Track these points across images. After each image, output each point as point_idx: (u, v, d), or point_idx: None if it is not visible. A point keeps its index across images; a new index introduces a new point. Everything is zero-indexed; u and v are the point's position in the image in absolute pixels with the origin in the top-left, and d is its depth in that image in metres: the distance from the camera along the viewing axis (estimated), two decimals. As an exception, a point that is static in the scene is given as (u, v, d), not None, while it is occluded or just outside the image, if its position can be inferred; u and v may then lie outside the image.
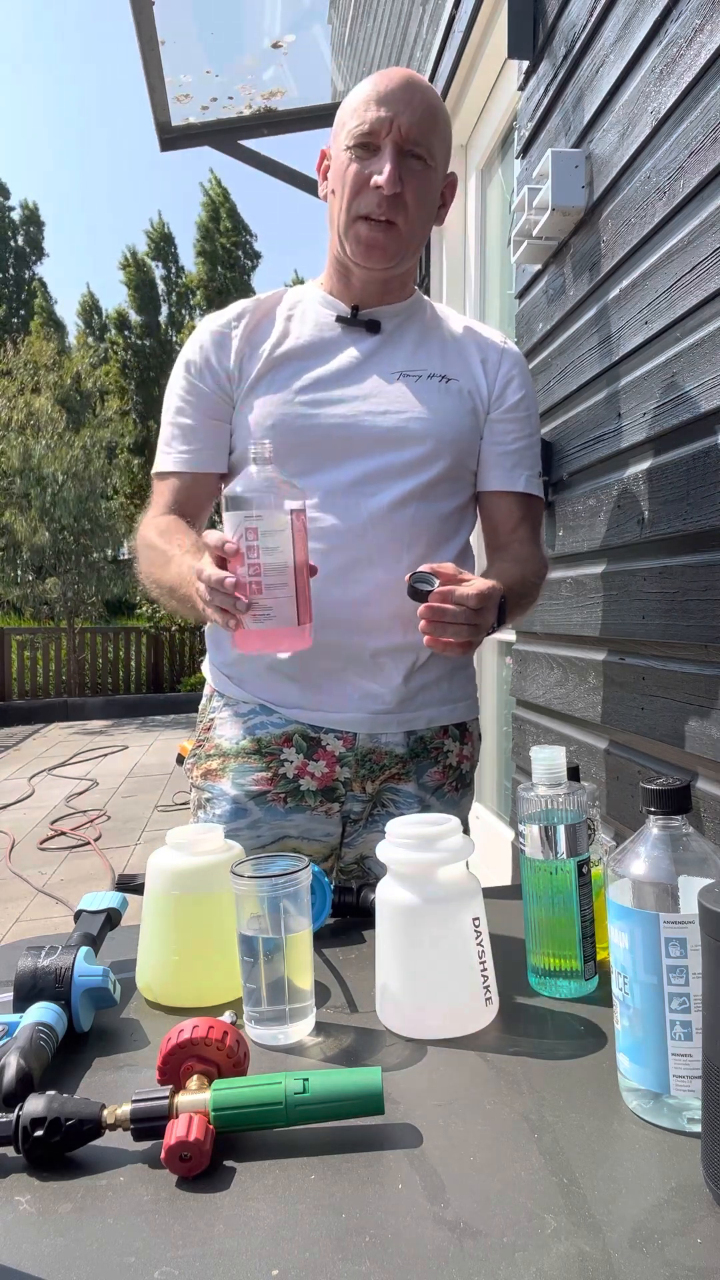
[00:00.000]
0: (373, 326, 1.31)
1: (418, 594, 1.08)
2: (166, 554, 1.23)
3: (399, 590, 1.25)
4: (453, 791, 1.35)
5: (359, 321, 1.31)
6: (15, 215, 23.92)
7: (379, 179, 1.20)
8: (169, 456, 1.34)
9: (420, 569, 1.09)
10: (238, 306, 1.35)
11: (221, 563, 1.04)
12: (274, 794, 1.27)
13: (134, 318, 20.26)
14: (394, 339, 1.32)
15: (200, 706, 1.40)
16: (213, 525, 1.27)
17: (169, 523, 1.29)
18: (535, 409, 1.39)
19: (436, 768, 1.33)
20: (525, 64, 2.04)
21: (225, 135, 3.46)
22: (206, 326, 1.34)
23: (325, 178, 1.31)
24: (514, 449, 1.35)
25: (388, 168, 1.20)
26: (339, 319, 1.31)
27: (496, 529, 1.38)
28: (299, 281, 1.30)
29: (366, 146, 1.21)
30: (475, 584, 1.07)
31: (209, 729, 1.34)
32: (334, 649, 1.25)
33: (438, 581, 1.07)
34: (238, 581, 1.02)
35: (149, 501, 1.38)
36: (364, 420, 1.26)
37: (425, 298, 1.41)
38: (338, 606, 1.23)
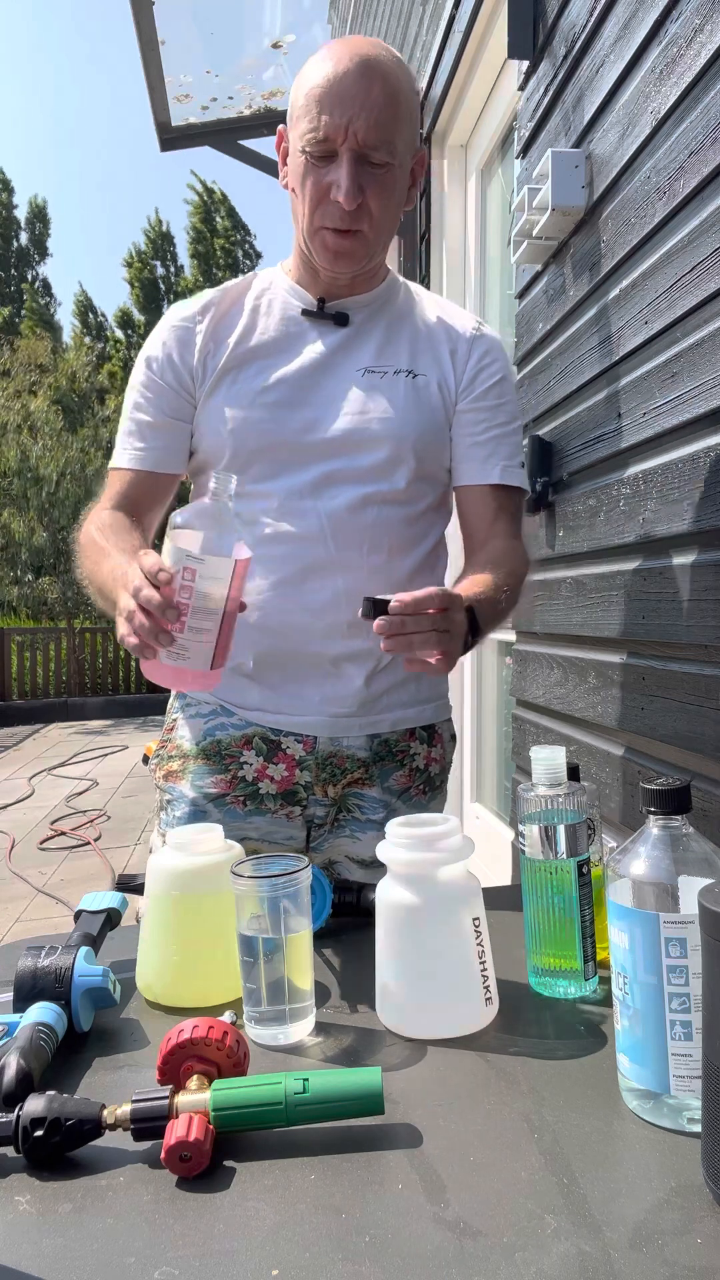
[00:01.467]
0: (341, 319, 1.27)
1: (375, 611, 0.98)
2: (104, 551, 1.18)
3: (360, 595, 1.20)
4: (420, 795, 1.32)
5: (326, 314, 1.27)
6: (20, 213, 23.86)
7: (338, 194, 1.14)
8: (125, 453, 1.29)
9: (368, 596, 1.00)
10: (203, 298, 1.30)
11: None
12: (233, 796, 1.26)
13: (137, 316, 20.25)
14: (362, 332, 1.28)
15: (167, 706, 1.39)
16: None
17: (113, 519, 1.25)
18: (511, 396, 1.32)
19: (402, 771, 1.30)
20: (525, 64, 2.04)
21: (225, 135, 3.46)
22: (170, 321, 1.29)
23: (285, 162, 1.23)
24: (485, 439, 1.28)
25: (345, 182, 1.13)
26: (305, 312, 1.27)
27: (473, 526, 1.31)
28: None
29: (323, 155, 1.14)
30: (433, 589, 1.00)
31: (171, 729, 1.33)
32: (293, 656, 1.23)
33: (391, 601, 0.98)
34: (164, 604, 0.96)
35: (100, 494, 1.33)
36: (325, 423, 1.22)
37: (399, 279, 1.35)
38: (296, 613, 1.22)
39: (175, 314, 1.29)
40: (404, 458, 1.24)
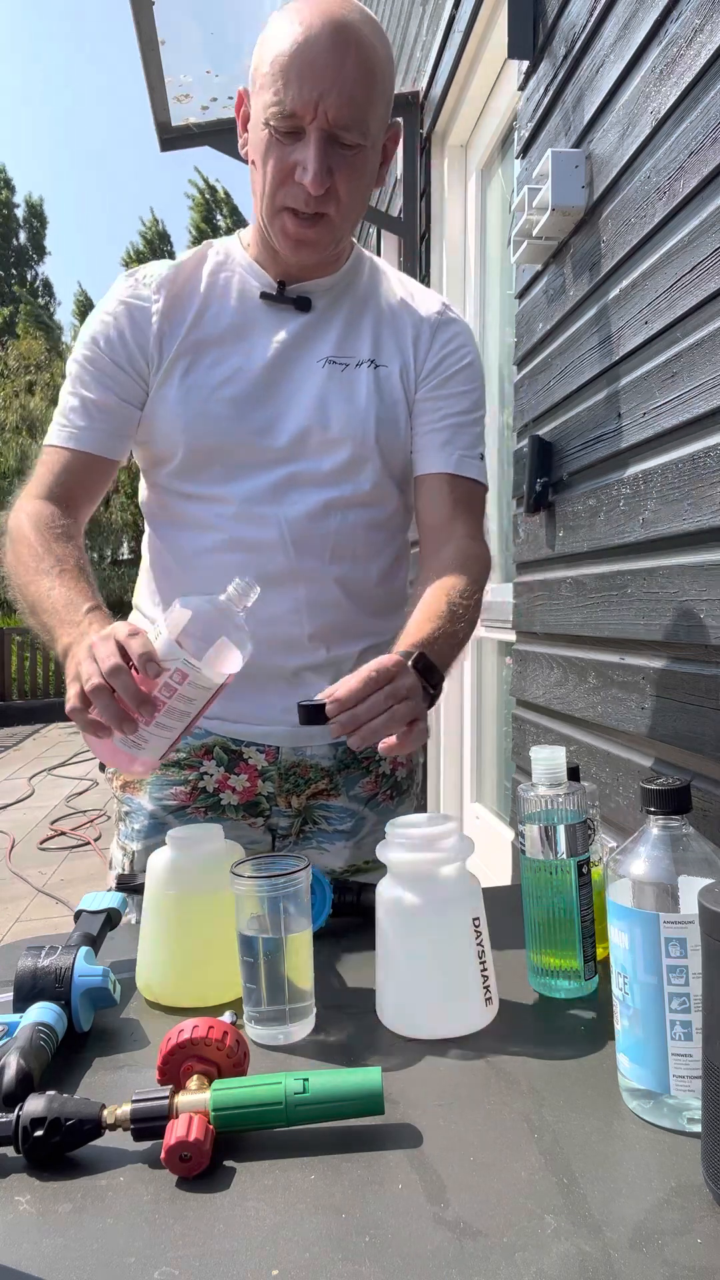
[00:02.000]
0: (302, 303, 1.18)
1: (313, 717, 0.90)
2: (40, 561, 1.07)
3: (321, 607, 1.17)
4: (387, 800, 1.28)
5: (287, 298, 1.18)
6: (20, 212, 23.87)
7: (304, 178, 1.04)
8: (64, 430, 1.17)
9: (301, 703, 0.92)
10: (156, 275, 1.18)
11: (123, 652, 0.89)
12: (194, 808, 1.21)
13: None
14: (325, 318, 1.19)
15: None
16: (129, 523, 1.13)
17: (51, 518, 1.12)
18: (475, 385, 1.23)
19: (368, 778, 1.26)
20: (525, 64, 2.04)
21: (225, 135, 3.46)
22: (120, 295, 1.18)
23: (244, 128, 1.12)
24: (443, 426, 1.20)
25: (312, 165, 1.03)
26: (265, 295, 1.18)
27: (428, 523, 1.21)
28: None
29: (289, 132, 1.04)
30: (363, 669, 0.91)
31: None
32: (251, 669, 1.16)
33: (322, 695, 0.91)
34: (143, 698, 0.88)
35: (31, 471, 1.21)
36: (285, 423, 1.15)
37: (363, 256, 1.25)
38: (254, 625, 1.13)
39: (127, 289, 1.18)
40: (368, 457, 1.17)
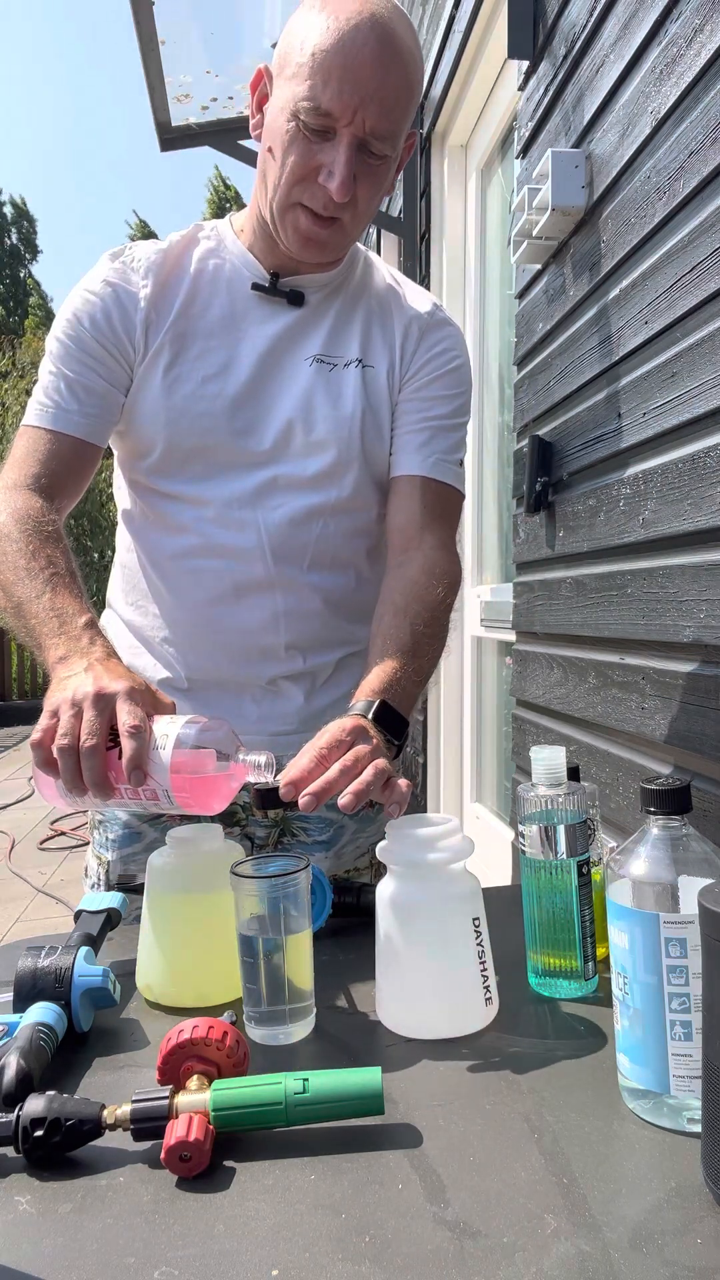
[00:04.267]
0: (295, 298, 1.14)
1: (269, 801, 0.86)
2: (31, 560, 1.00)
3: (299, 616, 1.14)
4: (369, 808, 1.21)
5: (280, 291, 1.13)
6: (8, 211, 23.95)
7: (329, 183, 1.00)
8: (50, 410, 1.10)
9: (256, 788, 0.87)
10: (144, 259, 1.13)
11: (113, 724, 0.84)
12: (168, 817, 1.16)
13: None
14: (317, 314, 1.15)
15: None
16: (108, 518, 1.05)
17: (40, 514, 1.05)
18: (460, 390, 1.19)
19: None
20: (525, 64, 2.04)
21: (225, 135, 3.46)
22: (106, 276, 1.12)
23: (260, 109, 1.07)
24: (423, 428, 1.15)
25: (341, 171, 0.99)
26: (256, 286, 1.13)
27: (396, 527, 1.15)
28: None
29: (319, 130, 0.99)
30: (315, 742, 0.87)
31: None
32: (225, 678, 1.15)
33: (274, 776, 0.88)
34: (102, 785, 0.85)
35: (8, 454, 1.14)
36: (269, 423, 1.11)
37: (359, 249, 1.21)
38: (229, 634, 1.13)
39: (113, 270, 1.13)
40: (351, 462, 1.14)
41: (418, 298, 1.22)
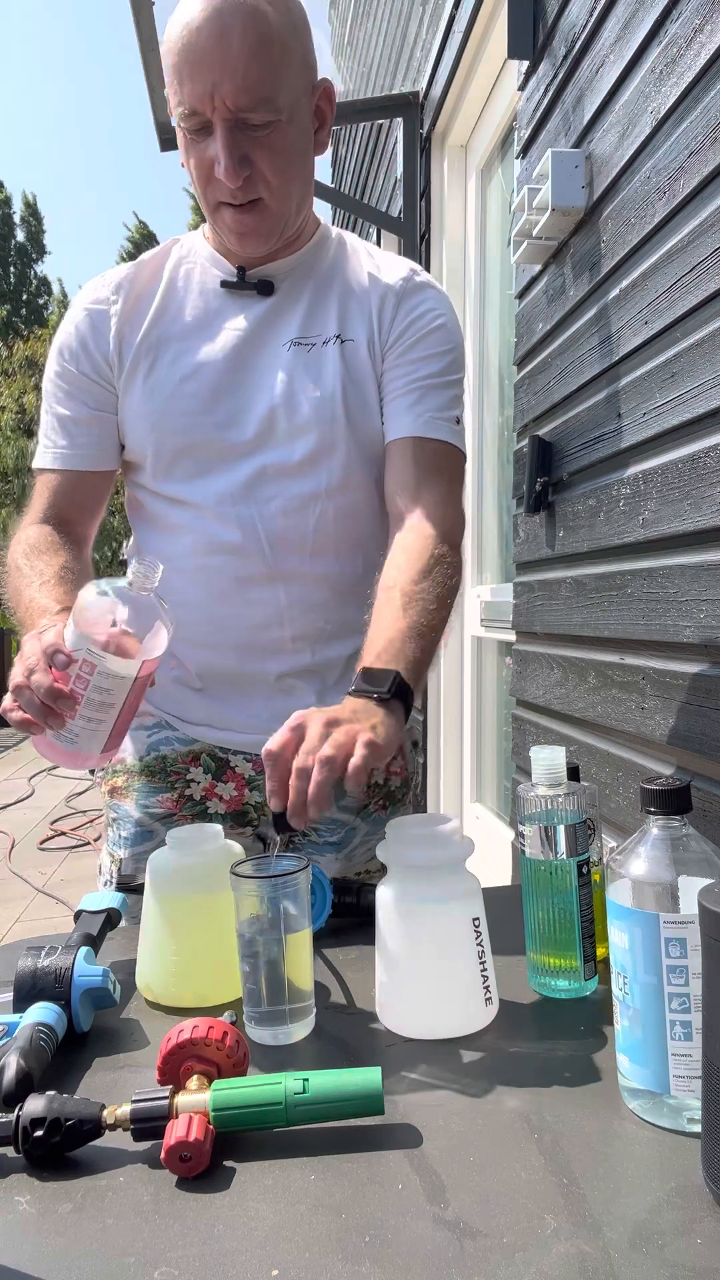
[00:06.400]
0: (264, 288, 1.15)
1: (283, 826, 0.85)
2: (25, 578, 1.08)
3: (305, 608, 1.14)
4: (380, 810, 1.23)
5: (248, 284, 1.15)
6: (16, 213, 23.96)
7: (218, 171, 1.02)
8: (48, 452, 1.18)
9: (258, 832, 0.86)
10: (117, 275, 1.18)
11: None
12: (180, 816, 1.18)
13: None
14: (289, 299, 1.16)
15: None
16: (117, 525, 1.15)
17: (40, 539, 1.14)
18: (449, 348, 1.16)
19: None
20: (525, 64, 2.04)
21: (225, 135, 3.47)
22: (81, 303, 1.17)
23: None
24: (412, 389, 1.14)
25: (223, 158, 1.00)
26: (225, 283, 1.15)
27: (391, 492, 1.14)
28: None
29: (199, 129, 1.02)
30: (282, 728, 0.85)
31: None
32: (234, 675, 1.15)
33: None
34: (56, 693, 0.87)
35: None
36: (250, 413, 1.11)
37: (330, 233, 1.21)
38: (234, 630, 1.13)
39: (87, 295, 1.18)
40: (338, 441, 1.12)
41: (393, 265, 1.20)
